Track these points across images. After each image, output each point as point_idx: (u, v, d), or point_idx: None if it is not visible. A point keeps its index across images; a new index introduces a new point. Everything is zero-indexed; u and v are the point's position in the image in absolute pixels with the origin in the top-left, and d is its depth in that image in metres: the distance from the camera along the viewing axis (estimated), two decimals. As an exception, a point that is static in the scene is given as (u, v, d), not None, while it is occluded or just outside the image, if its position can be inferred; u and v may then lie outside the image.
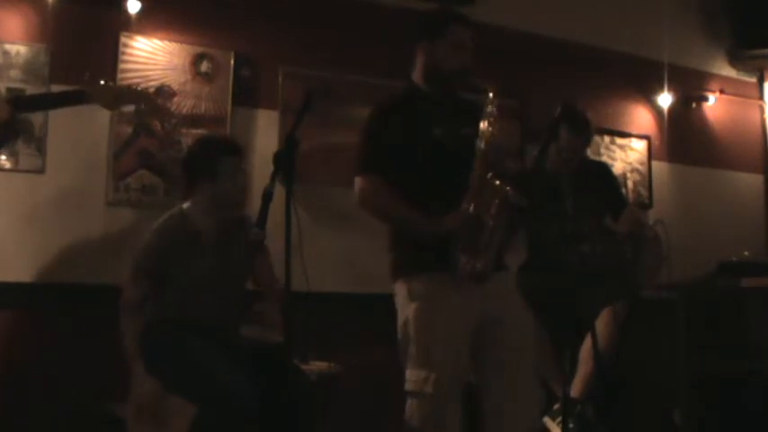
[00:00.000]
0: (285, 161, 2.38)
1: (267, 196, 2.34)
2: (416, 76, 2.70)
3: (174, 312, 2.85)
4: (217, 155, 2.96)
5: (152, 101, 2.79)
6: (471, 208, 2.41)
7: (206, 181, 2.93)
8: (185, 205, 2.98)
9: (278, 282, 3.05)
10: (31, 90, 3.46)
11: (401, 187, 2.52)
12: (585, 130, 3.70)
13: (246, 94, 3.96)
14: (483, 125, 2.47)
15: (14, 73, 3.49)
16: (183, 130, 3.77)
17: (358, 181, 2.57)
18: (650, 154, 5.06)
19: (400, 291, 2.55)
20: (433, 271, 2.46)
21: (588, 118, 3.71)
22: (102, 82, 2.60)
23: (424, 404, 2.44)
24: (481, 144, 2.46)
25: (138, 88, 2.83)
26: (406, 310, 2.52)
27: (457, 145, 2.49)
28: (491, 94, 2.50)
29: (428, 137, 2.53)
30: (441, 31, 2.61)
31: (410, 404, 2.49)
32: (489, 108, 2.48)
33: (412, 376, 2.49)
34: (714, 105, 5.31)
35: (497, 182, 2.42)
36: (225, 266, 2.93)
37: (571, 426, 3.33)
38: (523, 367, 2.51)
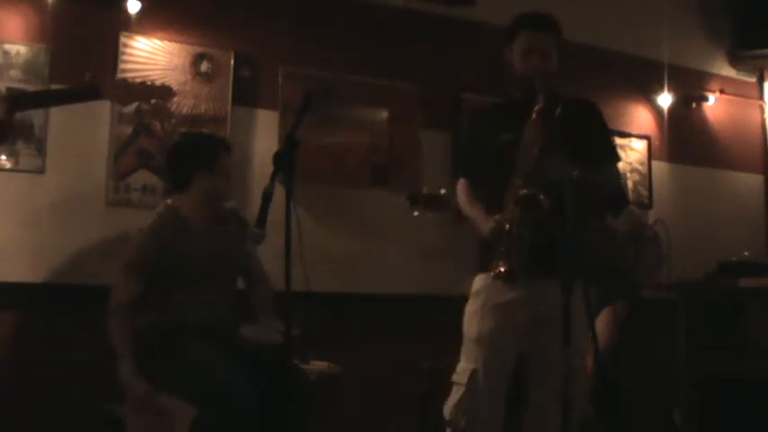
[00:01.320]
0: (285, 161, 2.38)
1: (267, 196, 2.34)
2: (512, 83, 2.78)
3: (173, 313, 2.85)
4: (218, 151, 3.01)
5: (163, 93, 2.74)
6: (508, 214, 2.50)
7: (204, 175, 2.96)
8: (170, 201, 3.00)
9: (268, 279, 3.07)
10: (31, 90, 3.45)
11: (485, 190, 2.70)
12: None
13: (246, 94, 3.96)
14: (528, 132, 2.52)
15: (14, 73, 3.49)
16: (183, 131, 3.76)
17: (458, 184, 2.81)
18: (650, 154, 5.06)
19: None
20: (486, 270, 2.59)
21: None
22: (116, 78, 2.59)
23: (458, 394, 2.57)
24: (526, 152, 2.50)
25: (150, 83, 2.79)
26: (467, 304, 2.68)
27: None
28: (541, 102, 2.52)
29: (500, 142, 2.62)
30: (514, 36, 2.69)
31: (451, 394, 2.61)
32: (534, 116, 2.52)
33: (458, 368, 2.63)
34: (714, 105, 5.31)
35: (525, 190, 2.47)
36: (218, 261, 2.94)
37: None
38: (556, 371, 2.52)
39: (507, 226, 2.46)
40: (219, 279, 2.93)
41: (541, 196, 2.44)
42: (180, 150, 3.11)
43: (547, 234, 2.45)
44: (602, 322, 3.50)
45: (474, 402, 2.54)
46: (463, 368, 2.60)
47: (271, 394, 2.64)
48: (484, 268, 2.63)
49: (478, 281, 2.67)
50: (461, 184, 2.78)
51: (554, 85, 2.57)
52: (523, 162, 2.50)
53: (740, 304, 3.99)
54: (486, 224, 2.56)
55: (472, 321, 2.62)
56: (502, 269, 2.48)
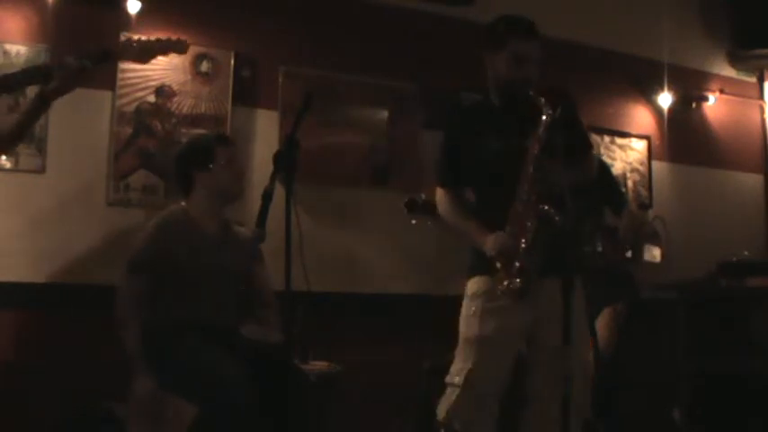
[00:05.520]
0: (285, 161, 2.39)
1: (267, 196, 2.35)
2: (489, 88, 2.72)
3: (174, 311, 2.86)
4: (211, 147, 3.00)
5: (178, 46, 2.63)
6: (513, 229, 2.48)
7: (203, 173, 2.95)
8: (184, 203, 3.00)
9: (272, 293, 3.07)
10: (32, 91, 3.44)
11: (476, 200, 2.67)
12: None
13: (246, 94, 3.96)
14: (532, 145, 2.48)
15: (15, 73, 3.48)
16: (183, 130, 3.77)
17: (436, 192, 2.74)
18: (650, 154, 5.06)
19: (465, 288, 2.68)
20: (485, 273, 2.56)
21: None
22: (124, 39, 2.52)
23: (452, 394, 2.54)
24: (529, 165, 2.48)
25: (165, 38, 2.62)
26: (463, 306, 2.65)
27: (517, 158, 2.51)
28: (548, 113, 2.46)
29: (488, 150, 2.58)
30: (501, 42, 2.61)
31: (444, 394, 2.58)
32: (540, 128, 2.47)
33: (452, 369, 2.59)
34: (714, 105, 5.31)
35: (538, 203, 2.45)
36: (223, 265, 2.94)
37: (571, 426, 3.33)
38: (557, 373, 2.50)
39: (524, 242, 2.44)
40: (222, 281, 2.93)
41: (553, 210, 2.41)
42: (179, 154, 3.11)
43: (557, 247, 2.44)
44: (602, 323, 3.50)
45: (469, 404, 2.51)
46: (458, 369, 2.55)
47: (271, 394, 2.64)
48: (481, 271, 2.59)
49: (477, 283, 2.62)
50: (445, 194, 2.70)
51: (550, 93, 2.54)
52: (532, 173, 2.46)
53: (740, 304, 4.00)
54: (490, 239, 2.50)
55: (471, 322, 2.58)
56: (516, 285, 2.46)
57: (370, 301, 3.97)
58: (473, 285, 2.63)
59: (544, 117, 2.47)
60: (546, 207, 2.42)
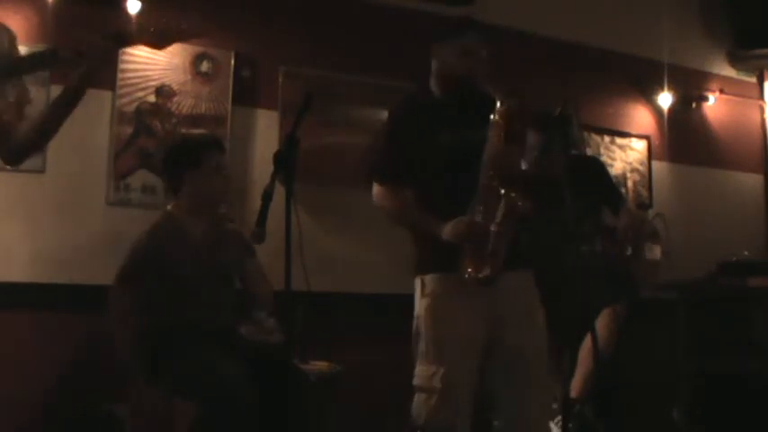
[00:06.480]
0: (285, 161, 2.39)
1: (267, 196, 2.35)
2: (431, 80, 2.72)
3: (172, 313, 2.86)
4: (199, 149, 3.00)
5: (194, 32, 2.61)
6: (478, 216, 2.43)
7: (193, 174, 2.96)
8: (169, 207, 3.02)
9: (268, 284, 3.07)
10: (32, 90, 3.45)
11: (415, 191, 2.60)
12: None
13: (246, 94, 3.96)
14: (489, 133, 2.49)
15: (14, 73, 3.48)
16: (183, 130, 3.77)
17: (373, 187, 2.68)
18: (650, 154, 5.06)
19: (416, 286, 2.62)
20: (446, 271, 2.50)
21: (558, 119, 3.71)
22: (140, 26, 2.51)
23: (431, 399, 2.47)
24: (487, 152, 2.47)
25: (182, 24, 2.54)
26: (418, 305, 2.59)
27: (465, 149, 2.51)
28: (498, 103, 2.50)
29: (435, 142, 2.56)
30: (451, 36, 2.65)
31: (417, 399, 2.52)
32: (495, 117, 2.49)
33: (420, 371, 2.53)
34: (714, 105, 5.32)
35: (503, 190, 2.43)
36: (218, 264, 2.95)
37: (570, 426, 3.33)
38: (532, 370, 2.51)
39: (493, 227, 2.40)
40: (214, 282, 2.94)
41: (517, 196, 2.41)
42: (169, 153, 3.11)
43: (524, 233, 2.44)
44: (602, 323, 3.49)
45: (449, 406, 2.45)
46: (431, 371, 2.47)
47: (271, 394, 2.64)
48: (437, 267, 2.53)
49: (434, 281, 2.55)
50: (387, 190, 2.63)
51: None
52: (497, 162, 2.45)
53: (740, 304, 4.01)
54: (449, 225, 2.44)
55: (437, 325, 2.51)
56: (486, 272, 2.40)
57: (370, 301, 3.97)
58: (430, 284, 2.55)
59: (499, 106, 2.48)
60: (513, 194, 2.40)
